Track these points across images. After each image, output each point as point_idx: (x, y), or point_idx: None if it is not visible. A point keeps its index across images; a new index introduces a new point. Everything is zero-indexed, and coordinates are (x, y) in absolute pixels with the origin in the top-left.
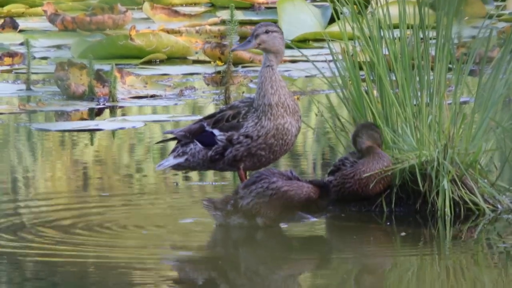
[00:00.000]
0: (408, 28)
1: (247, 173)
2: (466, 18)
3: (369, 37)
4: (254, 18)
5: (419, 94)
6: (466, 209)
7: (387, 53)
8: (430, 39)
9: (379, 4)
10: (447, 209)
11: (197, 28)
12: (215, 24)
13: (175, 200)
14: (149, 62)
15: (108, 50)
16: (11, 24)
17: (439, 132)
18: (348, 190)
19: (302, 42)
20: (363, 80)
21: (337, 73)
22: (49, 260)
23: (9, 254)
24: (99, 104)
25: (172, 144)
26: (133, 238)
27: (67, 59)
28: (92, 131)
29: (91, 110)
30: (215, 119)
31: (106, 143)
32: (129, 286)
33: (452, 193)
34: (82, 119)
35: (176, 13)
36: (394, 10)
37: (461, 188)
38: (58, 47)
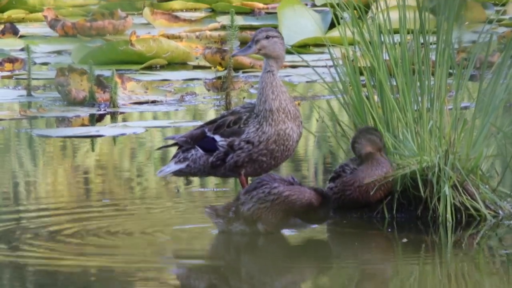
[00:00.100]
0: (408, 33)
1: (248, 179)
2: (467, 23)
3: (370, 42)
4: (255, 23)
5: (419, 99)
6: (467, 215)
7: (387, 58)
8: (431, 44)
9: (379, 9)
10: (449, 215)
11: (197, 33)
12: (216, 29)
13: (176, 206)
14: (150, 68)
15: (109, 56)
16: (12, 29)
17: (440, 137)
18: (349, 197)
19: (303, 47)
20: (364, 85)
21: (337, 78)
22: (49, 267)
23: (8, 261)
24: (100, 110)
25: (173, 150)
26: (133, 245)
27: (67, 65)
28: (93, 137)
29: (91, 116)
30: (216, 125)
31: (107, 149)
32: None
33: (453, 199)
34: (83, 125)
35: (177, 18)
36: (394, 15)
37: (462, 194)
38: (59, 52)
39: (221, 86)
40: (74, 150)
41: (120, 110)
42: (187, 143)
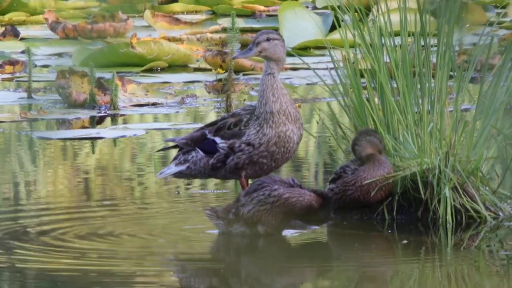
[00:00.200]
0: (409, 35)
1: (249, 181)
2: (467, 25)
3: (370, 45)
4: (255, 25)
5: (420, 101)
6: (467, 217)
7: (388, 60)
8: (431, 46)
9: (380, 12)
10: (449, 217)
11: (198, 36)
12: (216, 31)
13: (176, 208)
14: (150, 70)
15: (109, 58)
16: (12, 32)
17: (441, 139)
18: (350, 197)
19: (303, 49)
20: (364, 88)
21: (338, 81)
22: (49, 269)
23: (8, 263)
24: (100, 112)
25: (174, 152)
26: (134, 246)
27: (68, 67)
28: (93, 139)
29: (92, 118)
30: (217, 127)
31: (107, 151)
32: None
33: (454, 200)
34: (84, 127)
35: (177, 21)
36: (395, 18)
37: (462, 195)
38: (59, 55)
39: (221, 88)
40: (74, 153)
41: (121, 112)
42: (187, 145)
